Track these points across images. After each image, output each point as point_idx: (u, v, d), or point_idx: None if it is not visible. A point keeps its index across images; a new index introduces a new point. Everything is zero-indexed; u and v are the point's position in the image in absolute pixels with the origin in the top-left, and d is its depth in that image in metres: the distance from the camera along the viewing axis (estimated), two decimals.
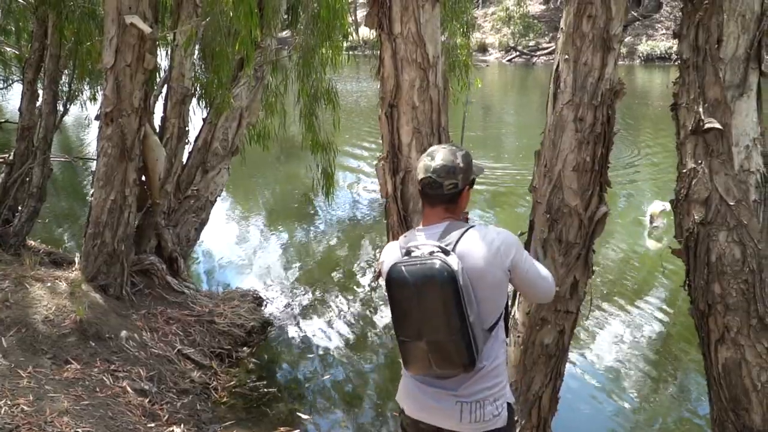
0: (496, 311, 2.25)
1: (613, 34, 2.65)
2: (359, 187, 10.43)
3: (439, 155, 2.23)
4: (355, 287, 6.69)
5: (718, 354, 2.81)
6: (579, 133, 2.71)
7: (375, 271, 3.07)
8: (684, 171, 2.82)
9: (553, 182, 2.79)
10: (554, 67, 2.80)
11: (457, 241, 2.16)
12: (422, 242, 2.18)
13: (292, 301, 6.46)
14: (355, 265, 7.37)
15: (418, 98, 2.72)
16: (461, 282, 2.06)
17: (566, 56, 2.71)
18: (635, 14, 26.94)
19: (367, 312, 6.18)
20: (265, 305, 6.23)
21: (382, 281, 2.26)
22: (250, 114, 6.09)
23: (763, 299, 2.69)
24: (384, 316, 6.06)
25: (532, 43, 28.96)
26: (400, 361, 2.26)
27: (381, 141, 2.87)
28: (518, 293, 3.00)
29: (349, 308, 6.30)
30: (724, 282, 2.74)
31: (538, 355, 2.93)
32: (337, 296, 6.52)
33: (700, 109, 2.73)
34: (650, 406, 4.77)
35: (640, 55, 25.83)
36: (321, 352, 5.56)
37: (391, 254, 2.30)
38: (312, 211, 9.32)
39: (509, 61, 28.00)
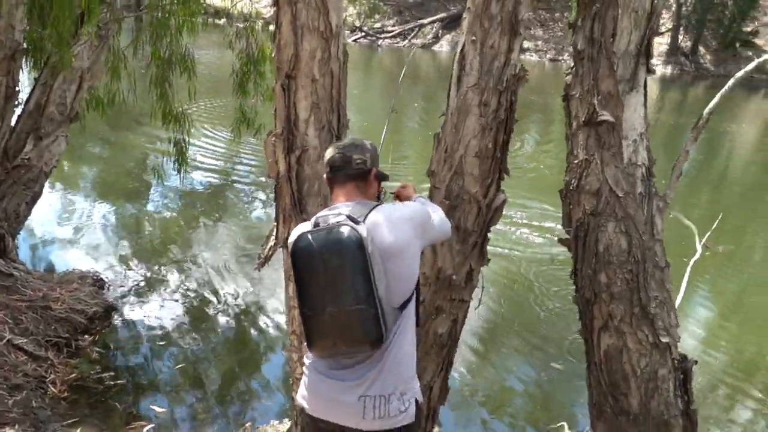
0: (407, 290, 2.14)
1: (520, 18, 2.59)
2: (205, 161, 9.86)
3: (345, 140, 2.23)
4: (201, 266, 6.31)
5: (601, 341, 2.89)
6: (483, 118, 2.63)
7: (261, 256, 2.79)
8: (575, 162, 2.84)
9: (454, 168, 2.70)
10: (459, 48, 2.69)
11: (366, 215, 2.07)
12: (331, 214, 2.08)
13: (138, 283, 5.93)
14: (203, 244, 6.95)
15: (318, 71, 2.48)
16: (369, 250, 1.97)
17: (473, 37, 2.60)
18: None
19: (215, 291, 5.85)
20: (108, 288, 5.66)
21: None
22: (92, 77, 5.43)
23: (645, 288, 2.78)
24: (234, 295, 5.77)
25: (377, 25, 29.18)
26: (294, 359, 2.03)
27: (274, 114, 2.60)
28: None
29: (197, 288, 5.92)
30: (611, 271, 2.80)
31: (431, 344, 2.85)
32: (184, 277, 6.10)
33: (594, 101, 2.75)
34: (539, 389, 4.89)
35: None
36: (171, 337, 5.14)
37: (299, 227, 2.16)
38: (155, 187, 8.66)
39: (354, 41, 28.03)
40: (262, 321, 5.51)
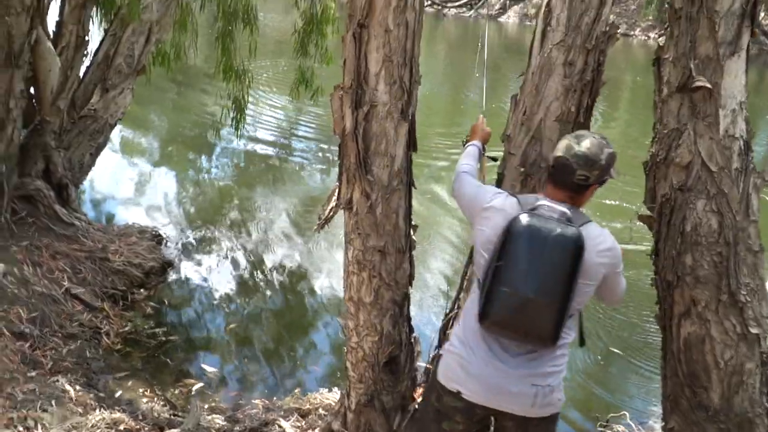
0: (581, 305, 2.21)
1: None
2: (266, 123, 9.82)
3: (585, 142, 2.13)
4: (257, 229, 6.27)
5: (681, 328, 2.67)
6: (567, 79, 2.42)
7: (321, 218, 2.67)
8: (665, 132, 2.60)
9: (532, 132, 2.50)
10: (544, 1, 2.47)
11: (581, 225, 2.11)
12: (544, 205, 2.12)
13: (194, 242, 5.94)
14: (260, 206, 6.91)
15: (393, 21, 2.31)
16: (584, 257, 2.05)
17: None
18: None
19: (271, 253, 5.80)
20: (166, 244, 5.67)
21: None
22: (161, 29, 5.38)
23: (736, 274, 2.54)
24: (290, 259, 5.70)
25: None
26: (351, 327, 1.89)
27: (342, 67, 2.45)
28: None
29: (252, 250, 5.88)
30: (697, 253, 2.57)
31: None
32: (240, 238, 6.08)
33: (691, 65, 2.50)
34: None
35: None
36: (224, 298, 5.12)
37: (507, 203, 2.18)
38: (217, 148, 8.67)
39: None
40: (317, 285, 5.43)
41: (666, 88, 2.60)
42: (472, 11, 27.24)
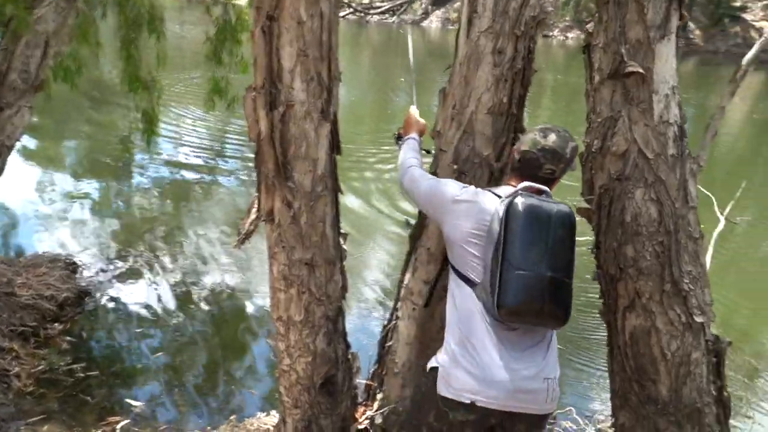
0: None
1: None
2: (184, 138, 9.43)
3: (552, 136, 2.14)
4: (181, 248, 5.92)
5: (626, 321, 2.57)
6: (497, 68, 2.28)
7: (241, 232, 2.43)
8: (599, 120, 2.50)
9: (463, 127, 2.35)
10: None
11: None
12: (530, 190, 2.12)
13: (114, 267, 5.53)
14: (181, 222, 6.56)
15: (306, 11, 2.10)
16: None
17: None
18: None
19: (196, 274, 5.48)
20: (82, 272, 5.26)
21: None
22: (59, 42, 4.97)
23: (678, 262, 2.46)
24: (218, 278, 5.40)
25: (366, 1, 28.59)
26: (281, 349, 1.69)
27: (253, 66, 2.23)
28: (413, 258, 2.55)
29: (176, 271, 5.53)
30: (639, 244, 2.48)
31: (437, 330, 2.51)
32: (163, 260, 5.70)
33: (622, 50, 2.41)
34: None
35: None
36: (149, 325, 4.76)
37: (480, 193, 2.15)
38: (129, 163, 8.23)
39: (342, 17, 27.41)
40: (249, 304, 5.15)
41: (598, 75, 2.51)
42: (395, 17, 27.35)
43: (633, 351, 2.58)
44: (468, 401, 2.00)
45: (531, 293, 2.00)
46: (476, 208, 2.10)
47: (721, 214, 3.40)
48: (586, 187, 2.60)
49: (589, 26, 2.52)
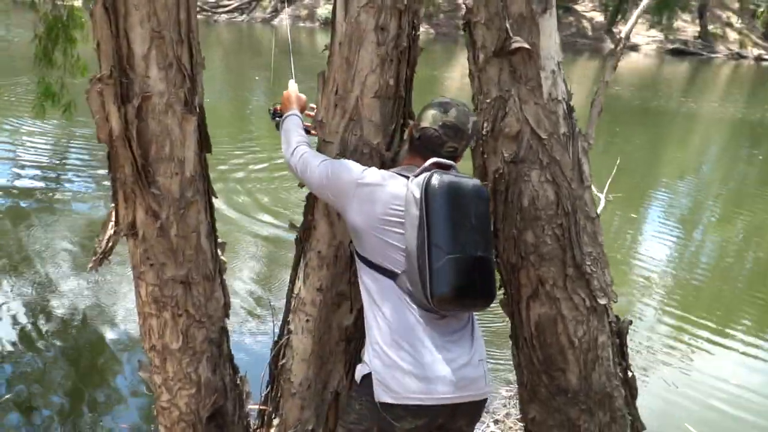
0: None
1: None
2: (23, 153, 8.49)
3: (452, 111, 1.99)
4: (28, 272, 5.24)
5: (530, 311, 2.46)
6: (382, 47, 2.06)
7: (97, 251, 2.04)
8: (487, 101, 2.36)
9: (348, 113, 2.11)
10: None
11: None
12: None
13: None
14: (32, 245, 5.83)
15: None
16: None
17: None
18: None
19: (47, 300, 4.84)
20: None
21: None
22: None
23: (579, 245, 2.37)
24: (74, 302, 4.81)
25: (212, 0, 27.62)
26: (158, 383, 1.38)
27: (96, 52, 1.86)
28: (302, 264, 2.29)
29: (24, 297, 4.87)
30: (538, 228, 2.36)
31: (336, 341, 2.26)
32: (10, 286, 5.02)
33: (506, 25, 2.27)
34: None
35: (319, 18, 26.31)
36: None
37: (385, 176, 1.97)
38: None
39: None
40: (113, 328, 4.60)
41: (482, 53, 2.36)
42: (244, 15, 26.61)
43: (540, 341, 2.47)
44: (415, 403, 1.83)
45: (464, 277, 1.89)
46: (385, 192, 1.93)
47: (600, 192, 3.40)
48: (479, 174, 2.45)
49: (468, 1, 2.37)
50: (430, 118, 1.97)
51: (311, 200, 2.25)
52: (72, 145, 8.92)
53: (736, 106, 17.47)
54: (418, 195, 1.88)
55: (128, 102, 1.83)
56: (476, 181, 1.99)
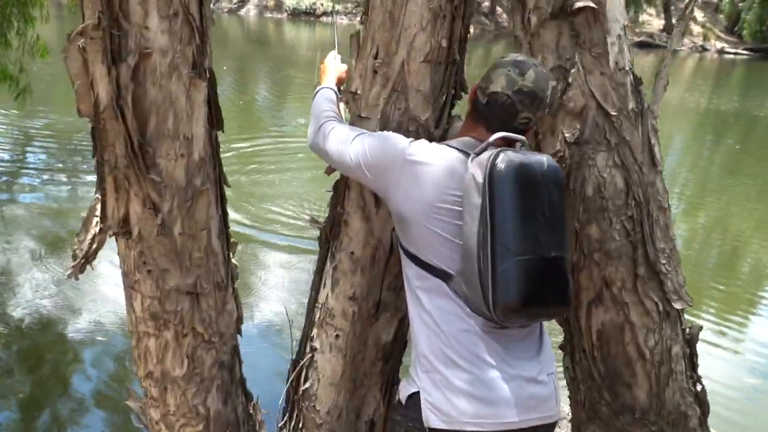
0: None
1: None
2: None
3: (530, 73, 1.61)
4: None
5: (592, 318, 2.10)
6: (432, 0, 1.66)
7: (78, 256, 1.60)
8: None
9: (392, 82, 1.71)
10: None
11: None
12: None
13: None
14: None
15: None
16: None
17: None
18: None
19: (12, 309, 4.32)
20: None
21: None
22: None
23: (652, 239, 2.02)
24: (18, 300, 4.28)
25: None
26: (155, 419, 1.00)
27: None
28: (329, 267, 1.89)
29: None
30: (604, 222, 2.00)
31: (372, 360, 1.87)
32: None
33: None
34: None
35: (287, 9, 25.70)
36: None
37: (439, 150, 1.60)
38: None
39: None
40: (72, 336, 4.09)
41: (535, 16, 1.98)
42: (212, 5, 25.90)
43: (602, 353, 2.12)
44: (473, 430, 1.52)
45: (534, 283, 1.54)
46: (438, 172, 1.56)
47: None
48: None
49: None
50: (502, 81, 1.58)
51: (341, 189, 1.85)
52: (30, 132, 8.30)
53: (702, 96, 17.53)
54: (480, 179, 1.51)
55: (121, 61, 1.40)
56: (550, 160, 1.61)
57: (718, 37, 31.21)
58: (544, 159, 1.60)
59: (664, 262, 2.04)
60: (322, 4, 24.19)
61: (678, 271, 2.12)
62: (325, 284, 1.88)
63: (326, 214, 1.96)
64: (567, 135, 1.98)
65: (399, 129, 1.73)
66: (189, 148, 1.52)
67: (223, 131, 1.65)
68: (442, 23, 1.68)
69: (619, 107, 1.97)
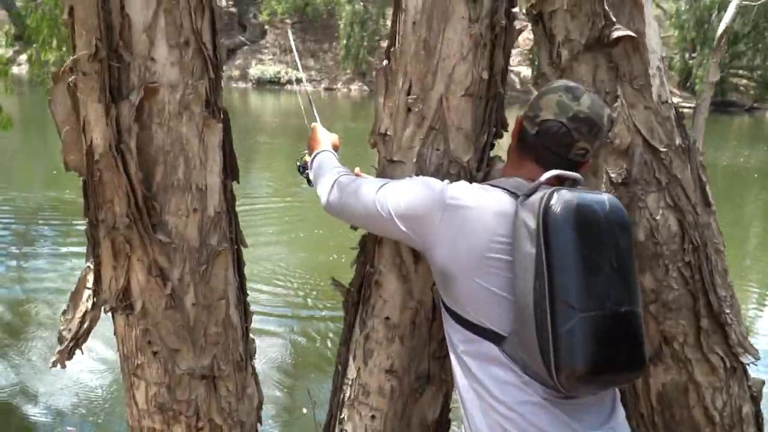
0: None
1: None
2: None
3: (585, 98, 1.41)
4: None
5: (651, 379, 1.86)
6: (474, 25, 1.47)
7: (65, 339, 1.32)
8: None
9: (429, 120, 1.50)
10: None
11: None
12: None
13: None
14: None
15: None
16: None
17: None
18: (243, 39, 26.96)
19: None
20: None
21: None
22: None
23: (713, 287, 1.81)
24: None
25: None
26: None
27: (67, 25, 1.20)
28: (359, 337, 1.62)
29: None
30: (659, 270, 1.79)
31: None
32: None
33: (605, 9, 1.75)
34: None
35: (252, 78, 25.84)
36: None
37: (483, 192, 1.37)
38: None
39: None
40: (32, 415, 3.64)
41: (566, 49, 1.81)
42: None
43: (664, 418, 1.88)
44: None
45: (605, 344, 1.30)
46: (485, 216, 1.34)
47: None
48: None
49: None
50: (554, 108, 1.38)
51: (370, 245, 1.61)
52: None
53: None
54: (533, 225, 1.28)
55: (122, 99, 1.16)
56: (612, 199, 1.38)
57: (671, 93, 32.32)
58: (605, 198, 1.37)
59: (727, 311, 1.83)
60: (287, 73, 24.32)
61: (740, 321, 1.91)
62: (355, 356, 1.61)
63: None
64: (613, 175, 1.78)
65: (438, 173, 1.51)
66: (203, 202, 1.27)
67: (238, 182, 1.41)
68: (482, 52, 1.49)
69: (666, 143, 1.79)
